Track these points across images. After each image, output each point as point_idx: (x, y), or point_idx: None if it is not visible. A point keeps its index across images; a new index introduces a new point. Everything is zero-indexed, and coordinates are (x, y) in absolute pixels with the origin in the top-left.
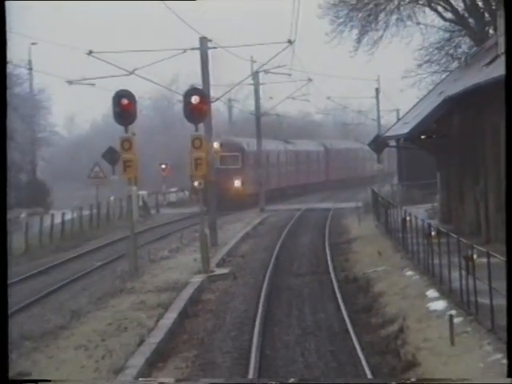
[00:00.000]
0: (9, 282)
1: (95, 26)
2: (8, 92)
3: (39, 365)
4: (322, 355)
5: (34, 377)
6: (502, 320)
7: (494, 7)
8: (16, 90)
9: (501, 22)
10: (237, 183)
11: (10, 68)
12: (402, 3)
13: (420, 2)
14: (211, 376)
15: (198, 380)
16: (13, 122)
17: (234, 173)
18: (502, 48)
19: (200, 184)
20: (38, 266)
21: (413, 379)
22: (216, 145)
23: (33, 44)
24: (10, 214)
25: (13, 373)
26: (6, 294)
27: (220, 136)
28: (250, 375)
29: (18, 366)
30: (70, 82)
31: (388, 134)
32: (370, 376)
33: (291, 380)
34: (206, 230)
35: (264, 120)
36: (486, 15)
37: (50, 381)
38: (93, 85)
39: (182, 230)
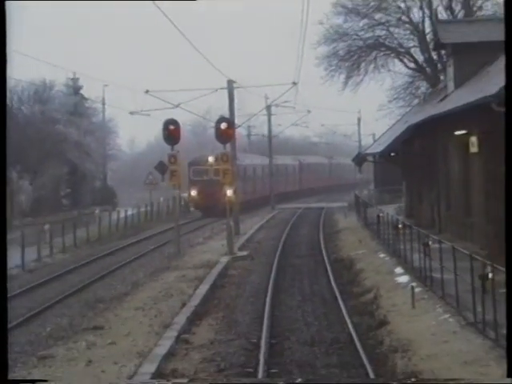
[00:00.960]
0: (88, 260)
1: (150, 68)
2: (87, 120)
3: (106, 319)
4: (317, 316)
5: (35, 377)
6: (450, 289)
7: (444, 60)
8: (93, 120)
9: (449, 71)
10: (229, 192)
11: (88, 103)
12: (377, 56)
13: (391, 55)
14: (234, 332)
15: (208, 380)
16: (90, 142)
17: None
18: (450, 89)
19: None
20: (107, 249)
21: (413, 379)
22: (211, 159)
23: (105, 86)
24: (88, 211)
25: (88, 324)
26: (5, 293)
27: (213, 151)
28: (264, 331)
29: (93, 321)
30: (132, 113)
31: (366, 152)
32: (372, 376)
33: (298, 380)
34: (231, 223)
35: (274, 141)
36: (439, 66)
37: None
38: (148, 115)
39: (212, 223)
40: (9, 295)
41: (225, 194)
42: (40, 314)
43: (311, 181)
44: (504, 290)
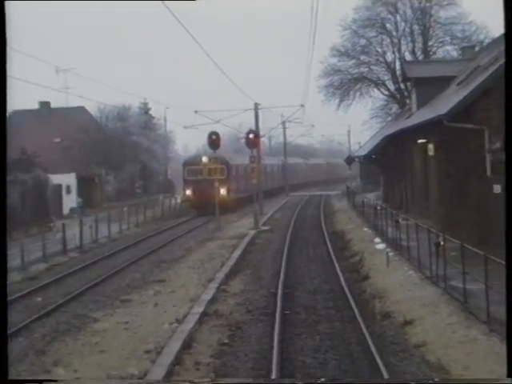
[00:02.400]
0: (154, 232)
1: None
2: (154, 133)
3: (168, 275)
4: (319, 272)
5: (35, 377)
6: (414, 253)
7: (409, 89)
8: (158, 132)
9: (413, 97)
10: (223, 191)
11: (154, 120)
12: (362, 86)
13: (371, 86)
14: (259, 284)
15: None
16: (156, 148)
17: (220, 182)
18: (413, 110)
19: (256, 182)
20: (168, 224)
21: (430, 381)
22: (205, 159)
23: (167, 108)
24: (154, 197)
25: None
26: (5, 293)
27: (207, 152)
28: (280, 284)
29: (158, 276)
30: (185, 127)
31: (354, 155)
32: (386, 376)
33: (321, 380)
34: (256, 206)
35: (288, 147)
36: (406, 93)
37: (50, 381)
38: (197, 128)
39: (243, 207)
40: (101, 257)
41: (218, 193)
42: (121, 270)
43: (315, 175)
44: (453, 254)
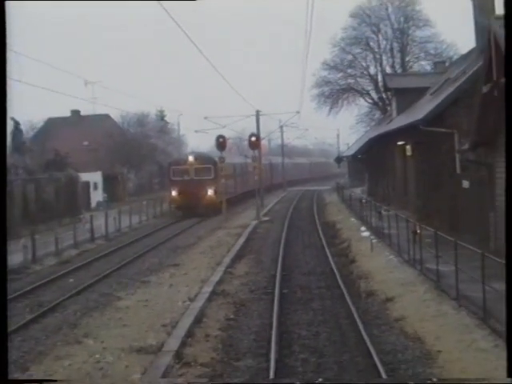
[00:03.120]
0: (170, 222)
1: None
2: (169, 136)
3: (181, 259)
4: (312, 257)
5: (36, 377)
6: (394, 240)
7: (390, 97)
8: (173, 135)
9: (393, 104)
10: (210, 192)
11: (169, 125)
12: (349, 95)
13: (357, 95)
14: (260, 267)
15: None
16: (171, 150)
17: (206, 183)
18: (394, 116)
19: (259, 180)
20: (182, 216)
21: (428, 381)
22: (191, 158)
23: (180, 115)
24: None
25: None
26: (5, 292)
27: (193, 150)
28: (279, 267)
29: (173, 260)
30: (196, 131)
31: (343, 154)
32: (369, 344)
33: (319, 380)
34: (258, 199)
35: (285, 148)
36: (387, 101)
37: (50, 381)
38: (207, 132)
39: (248, 199)
40: (124, 244)
41: (205, 194)
42: (141, 255)
43: (307, 173)
44: (428, 240)
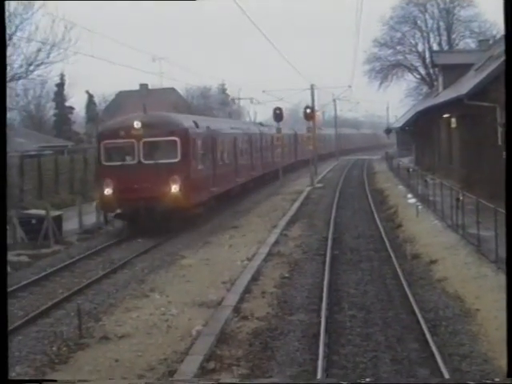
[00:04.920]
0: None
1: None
2: (229, 108)
3: (240, 222)
4: (362, 221)
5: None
6: (439, 207)
7: (436, 73)
8: (233, 107)
9: (440, 79)
10: (174, 187)
11: (230, 98)
12: (398, 71)
13: (406, 70)
14: (313, 230)
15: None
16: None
17: (165, 171)
18: (440, 90)
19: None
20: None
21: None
22: (137, 124)
23: (239, 89)
24: None
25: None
26: (5, 292)
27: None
28: (330, 230)
29: (233, 223)
30: (254, 103)
31: (392, 126)
32: (412, 300)
33: (366, 380)
34: (312, 167)
35: (338, 120)
36: (434, 77)
37: (50, 381)
38: (264, 104)
39: (301, 168)
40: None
41: (169, 190)
42: (204, 219)
43: (360, 143)
44: (470, 207)
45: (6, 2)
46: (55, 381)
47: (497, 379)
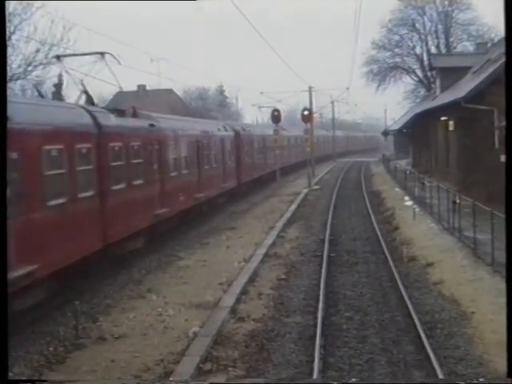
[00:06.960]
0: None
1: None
2: (228, 110)
3: (237, 223)
4: (358, 223)
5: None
6: (435, 209)
7: (434, 76)
8: (231, 109)
9: (437, 82)
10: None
11: (228, 99)
12: (396, 73)
13: (404, 73)
14: (310, 232)
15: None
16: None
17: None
18: (437, 93)
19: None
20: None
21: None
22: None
23: (238, 90)
24: None
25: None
26: (5, 292)
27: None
28: (327, 232)
29: (230, 224)
30: (253, 105)
31: (389, 129)
32: (409, 304)
33: (352, 380)
34: (310, 170)
35: (335, 122)
36: (431, 80)
37: (52, 381)
38: (263, 106)
39: (300, 170)
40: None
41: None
42: (199, 222)
43: (357, 145)
44: (467, 210)
45: (7, 2)
46: (55, 381)
47: (497, 379)
